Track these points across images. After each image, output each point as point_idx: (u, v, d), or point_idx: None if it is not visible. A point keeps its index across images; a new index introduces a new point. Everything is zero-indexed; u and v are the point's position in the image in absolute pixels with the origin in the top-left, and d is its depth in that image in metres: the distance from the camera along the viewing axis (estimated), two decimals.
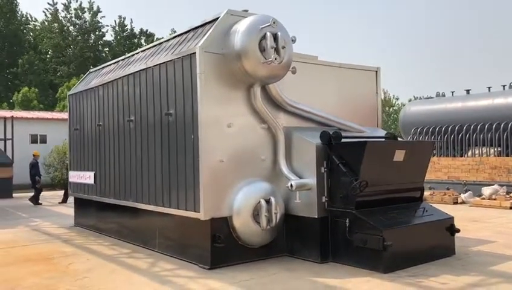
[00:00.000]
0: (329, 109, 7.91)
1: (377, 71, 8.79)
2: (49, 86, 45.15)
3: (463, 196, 14.59)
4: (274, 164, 7.17)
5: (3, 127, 21.37)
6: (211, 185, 6.52)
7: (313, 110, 7.59)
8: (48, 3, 48.51)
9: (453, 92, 18.19)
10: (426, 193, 15.37)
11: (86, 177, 10.07)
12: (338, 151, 6.72)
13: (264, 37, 6.46)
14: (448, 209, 12.96)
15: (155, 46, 8.77)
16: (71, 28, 48.81)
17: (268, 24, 6.43)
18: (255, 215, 6.71)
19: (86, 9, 49.25)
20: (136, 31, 51.56)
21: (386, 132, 8.00)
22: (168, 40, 8.38)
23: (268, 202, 6.74)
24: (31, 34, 49.59)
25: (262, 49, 6.47)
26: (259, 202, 6.69)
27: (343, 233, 6.54)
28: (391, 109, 50.09)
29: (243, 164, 6.87)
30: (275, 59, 6.39)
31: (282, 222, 7.05)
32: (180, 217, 6.99)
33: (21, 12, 50.13)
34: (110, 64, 10.51)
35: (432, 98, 18.77)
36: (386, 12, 78.32)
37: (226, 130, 6.73)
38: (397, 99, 51.43)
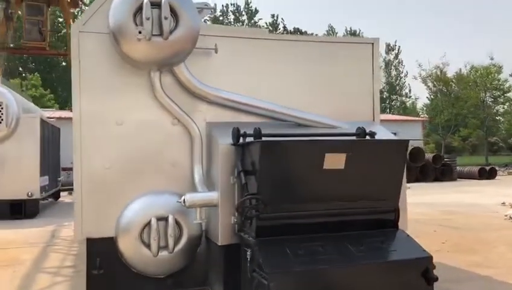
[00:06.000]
0: (298, 98, 5.93)
1: (373, 44, 6.38)
2: None
3: None
4: (192, 171, 5.58)
5: None
6: (88, 196, 5.23)
7: (251, 102, 5.70)
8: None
9: None
10: None
11: None
12: (251, 155, 4.85)
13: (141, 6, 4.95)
14: None
15: None
16: None
17: None
18: (147, 237, 5.23)
19: (244, 12, 50.82)
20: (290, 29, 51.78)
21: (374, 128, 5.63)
22: None
23: (166, 220, 5.21)
24: None
25: (140, 23, 4.96)
26: (150, 220, 5.19)
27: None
28: None
29: (140, 171, 5.41)
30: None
31: (196, 247, 5.45)
32: None
33: None
34: None
35: None
36: None
37: (115, 129, 5.35)
38: None
